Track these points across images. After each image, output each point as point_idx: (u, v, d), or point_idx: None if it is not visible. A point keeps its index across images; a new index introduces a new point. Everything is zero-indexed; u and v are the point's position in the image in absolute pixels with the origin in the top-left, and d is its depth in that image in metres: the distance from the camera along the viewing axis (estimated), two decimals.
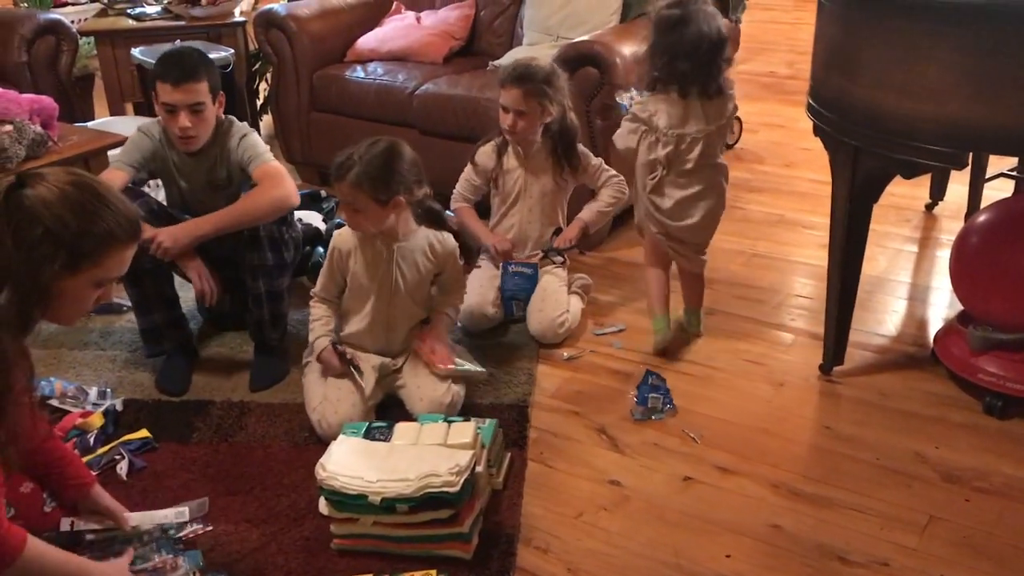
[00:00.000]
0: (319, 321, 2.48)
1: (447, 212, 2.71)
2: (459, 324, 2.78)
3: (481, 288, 2.86)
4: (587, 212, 2.97)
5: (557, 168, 2.89)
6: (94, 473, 2.06)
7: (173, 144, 2.62)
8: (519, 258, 2.92)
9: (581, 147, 2.91)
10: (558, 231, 2.97)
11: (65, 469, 1.90)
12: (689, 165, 2.58)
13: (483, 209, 3.06)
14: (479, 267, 2.94)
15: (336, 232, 2.51)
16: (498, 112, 2.85)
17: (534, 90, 2.74)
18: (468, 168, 2.98)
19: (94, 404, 2.49)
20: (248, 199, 2.50)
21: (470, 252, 2.63)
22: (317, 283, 2.52)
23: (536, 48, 3.73)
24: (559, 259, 2.95)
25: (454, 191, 3.00)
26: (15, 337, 1.55)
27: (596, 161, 2.95)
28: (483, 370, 2.52)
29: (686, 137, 2.55)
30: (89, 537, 1.90)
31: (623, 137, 2.66)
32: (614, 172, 2.94)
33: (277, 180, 2.52)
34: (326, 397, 2.37)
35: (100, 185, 1.67)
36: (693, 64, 2.48)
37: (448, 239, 2.52)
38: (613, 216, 3.10)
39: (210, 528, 2.01)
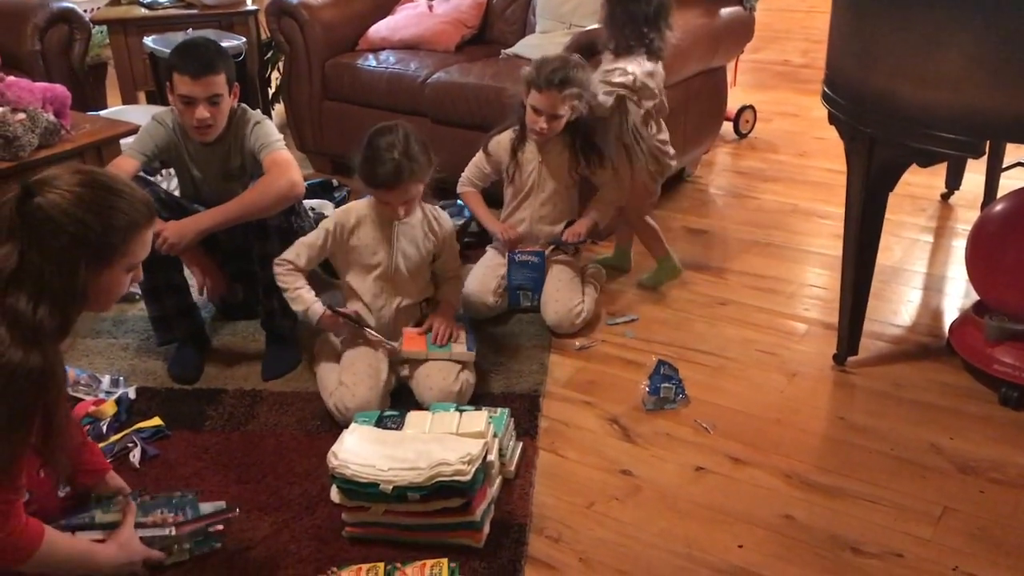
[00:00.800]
0: (302, 289, 2.45)
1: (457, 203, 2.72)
2: (460, 311, 2.78)
3: (483, 276, 2.86)
4: (596, 209, 2.96)
5: (573, 162, 2.87)
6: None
7: (187, 133, 2.61)
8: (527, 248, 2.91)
9: (598, 143, 2.89)
10: (569, 223, 2.95)
11: (82, 455, 1.91)
12: (665, 112, 2.91)
13: (494, 200, 3.04)
14: (486, 252, 2.95)
15: (340, 209, 2.53)
16: (510, 100, 2.84)
17: (573, 94, 2.72)
18: (480, 155, 2.96)
19: (107, 392, 2.50)
20: (252, 192, 2.49)
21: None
22: (290, 251, 2.46)
23: (549, 36, 3.71)
24: (570, 249, 2.94)
25: (462, 175, 2.98)
26: (56, 346, 1.57)
27: (610, 159, 2.92)
28: (470, 352, 2.48)
29: (661, 91, 2.85)
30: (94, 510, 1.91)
31: (601, 98, 2.80)
32: (618, 173, 2.93)
33: (283, 169, 2.50)
34: (342, 382, 2.37)
35: (107, 176, 1.67)
36: (657, 30, 2.78)
37: (443, 215, 2.57)
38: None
39: (235, 513, 2.00)
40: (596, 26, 3.27)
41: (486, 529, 1.97)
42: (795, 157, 4.26)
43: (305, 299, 2.44)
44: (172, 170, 2.85)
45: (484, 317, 2.84)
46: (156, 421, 2.38)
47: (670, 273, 3.06)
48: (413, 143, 2.35)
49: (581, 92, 2.72)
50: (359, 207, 2.50)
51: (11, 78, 2.97)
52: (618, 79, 2.76)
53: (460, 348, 2.47)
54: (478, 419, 2.10)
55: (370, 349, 2.44)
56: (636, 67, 2.77)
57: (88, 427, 2.32)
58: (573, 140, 2.84)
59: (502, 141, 2.92)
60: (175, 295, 2.64)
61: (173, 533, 1.89)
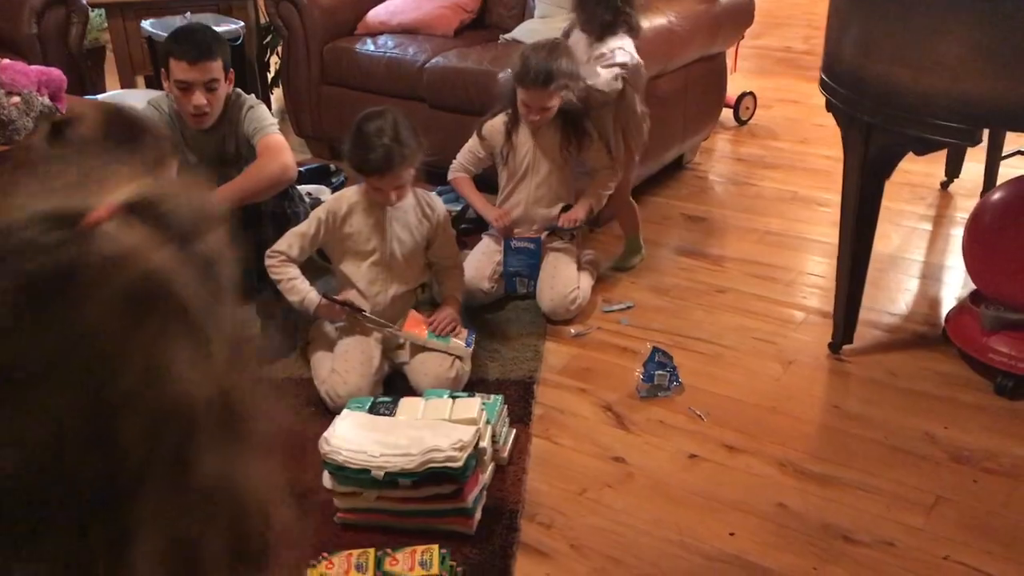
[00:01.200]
0: (296, 280, 2.43)
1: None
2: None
3: (479, 262, 2.85)
4: (592, 194, 2.95)
5: (565, 142, 2.86)
6: None
7: (183, 119, 2.60)
8: (523, 234, 2.90)
9: (588, 124, 2.87)
10: (566, 207, 2.94)
11: None
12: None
13: (488, 186, 3.03)
14: (481, 239, 2.95)
15: (332, 197, 2.52)
16: (501, 89, 2.82)
17: (559, 86, 2.69)
18: (473, 140, 2.94)
19: None
20: (245, 176, 2.48)
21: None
22: (282, 242, 2.44)
23: (548, 21, 3.68)
24: (566, 235, 2.93)
25: (454, 161, 2.95)
26: None
27: (600, 141, 2.91)
28: (467, 348, 2.48)
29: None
30: None
31: (609, 82, 2.77)
32: (614, 156, 2.93)
33: (275, 153, 2.50)
34: (334, 369, 2.37)
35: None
36: (632, 6, 2.77)
37: (436, 200, 2.58)
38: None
39: None
40: None
41: (478, 515, 1.97)
42: (795, 144, 4.24)
43: (300, 289, 2.43)
44: None
45: (480, 303, 2.83)
46: None
47: (637, 252, 3.11)
48: (402, 128, 2.34)
49: (567, 82, 2.70)
50: (350, 194, 2.49)
51: (6, 61, 2.95)
52: (620, 59, 2.74)
53: (459, 343, 2.46)
54: (471, 406, 2.10)
55: (364, 337, 2.43)
56: (629, 46, 2.77)
57: None
58: (563, 121, 2.82)
59: (496, 124, 2.90)
60: None
61: None
